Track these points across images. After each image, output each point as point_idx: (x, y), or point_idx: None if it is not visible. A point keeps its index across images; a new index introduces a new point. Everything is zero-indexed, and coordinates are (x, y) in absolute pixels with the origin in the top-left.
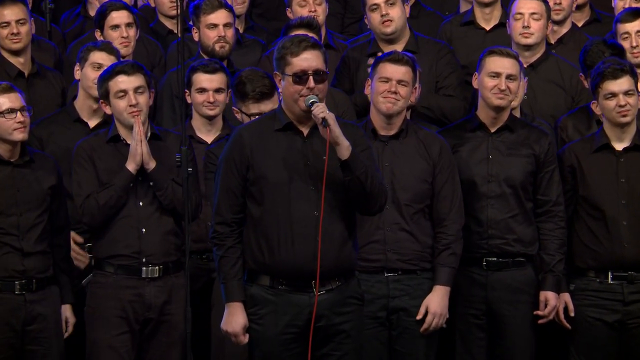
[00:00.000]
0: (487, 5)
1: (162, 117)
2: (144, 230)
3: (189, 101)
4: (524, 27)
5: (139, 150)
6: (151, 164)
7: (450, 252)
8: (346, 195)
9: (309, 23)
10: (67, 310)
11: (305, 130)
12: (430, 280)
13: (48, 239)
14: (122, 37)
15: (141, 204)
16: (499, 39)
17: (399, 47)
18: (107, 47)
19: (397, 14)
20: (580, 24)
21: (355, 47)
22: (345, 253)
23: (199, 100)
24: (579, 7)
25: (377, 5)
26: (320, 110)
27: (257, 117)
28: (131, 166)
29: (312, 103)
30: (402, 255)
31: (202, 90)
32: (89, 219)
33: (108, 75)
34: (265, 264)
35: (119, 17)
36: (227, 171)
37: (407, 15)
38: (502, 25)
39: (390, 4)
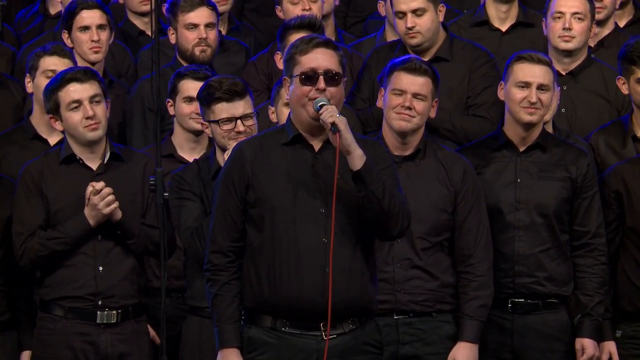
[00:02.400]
0: (504, 1)
1: (131, 133)
2: (101, 268)
3: (171, 112)
4: (564, 28)
5: (104, 212)
6: (118, 215)
7: (480, 304)
8: (362, 218)
9: (310, 23)
10: (25, 358)
11: (316, 144)
12: (449, 324)
13: (5, 276)
14: (93, 40)
15: (99, 237)
16: (518, 41)
17: (428, 54)
18: (59, 51)
19: (425, 26)
20: (622, 24)
21: (383, 46)
22: (360, 288)
23: (186, 112)
24: (622, 5)
25: (404, 13)
26: (330, 113)
27: (225, 121)
28: (91, 220)
29: (322, 106)
30: (414, 296)
31: (191, 99)
32: (27, 264)
33: (57, 84)
34: (266, 301)
35: (90, 17)
36: (225, 192)
37: (441, 19)
38: (521, 25)
39: (418, 15)
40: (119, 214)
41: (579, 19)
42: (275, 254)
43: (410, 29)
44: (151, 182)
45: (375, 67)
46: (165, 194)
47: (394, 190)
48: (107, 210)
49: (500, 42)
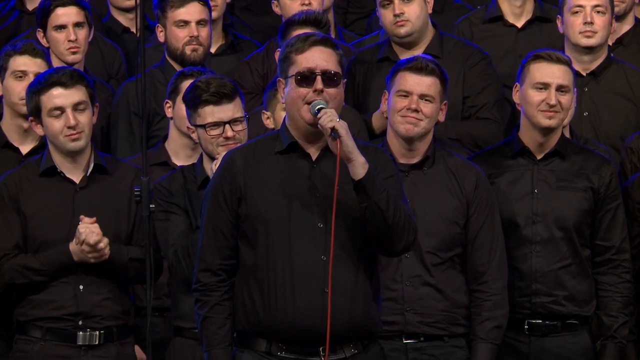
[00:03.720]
0: None
1: (116, 139)
2: (81, 287)
3: (169, 115)
4: (585, 23)
5: (90, 256)
6: (106, 253)
7: (494, 325)
8: (364, 234)
9: (316, 20)
10: None
11: (314, 152)
12: (462, 350)
13: None
14: (69, 40)
15: None
16: (535, 38)
17: (417, 51)
18: (30, 50)
19: (414, 13)
20: None
21: (365, 51)
22: (362, 310)
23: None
24: None
25: (390, 1)
26: (329, 117)
27: (212, 126)
28: (76, 257)
29: (320, 110)
30: (425, 317)
31: None
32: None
33: (40, 86)
34: (260, 324)
35: (65, 14)
36: (215, 205)
37: (430, 11)
38: (538, 20)
39: (406, 2)
40: (107, 251)
41: (600, 12)
42: (269, 273)
43: (398, 15)
44: (136, 192)
45: (359, 72)
46: (151, 206)
47: (399, 201)
48: (96, 260)
49: (516, 39)
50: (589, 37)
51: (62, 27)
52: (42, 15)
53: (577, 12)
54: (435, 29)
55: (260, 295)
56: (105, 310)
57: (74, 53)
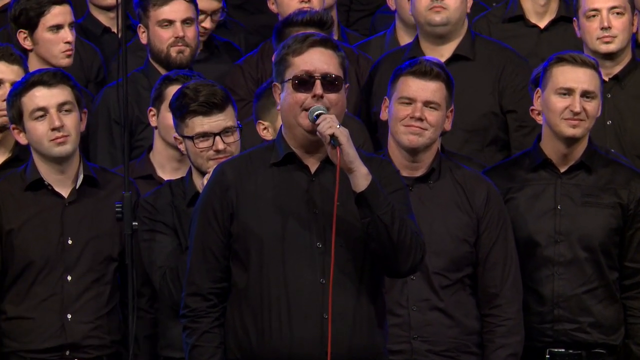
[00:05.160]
0: None
1: (95, 150)
2: (69, 316)
3: (153, 124)
4: (602, 28)
5: None
6: None
7: (508, 353)
8: (367, 254)
9: (321, 21)
10: None
11: (312, 164)
12: None
13: None
14: (66, 42)
15: (69, 278)
16: (559, 40)
17: (447, 49)
18: (7, 55)
19: (453, 2)
20: None
21: (387, 56)
22: (366, 337)
23: (172, 123)
24: None
25: None
26: (328, 124)
27: (201, 137)
28: None
29: (319, 115)
30: (434, 344)
31: None
32: None
33: (20, 88)
34: (253, 353)
35: (62, 13)
36: (204, 223)
37: (468, 10)
38: (562, 20)
39: None
40: None
41: (618, 13)
42: (263, 297)
43: (435, 0)
44: (117, 209)
45: (379, 77)
46: (134, 223)
47: (405, 216)
48: None
49: (538, 41)
50: (607, 42)
51: (58, 27)
52: (33, 15)
53: (592, 17)
54: (467, 29)
55: (253, 322)
56: (95, 340)
57: (68, 56)
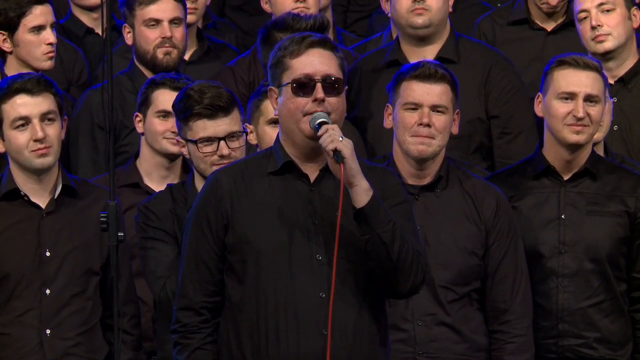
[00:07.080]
0: None
1: (77, 157)
2: (48, 331)
3: (139, 130)
4: (592, 27)
5: None
6: None
7: None
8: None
9: (322, 25)
10: None
11: (312, 172)
12: None
13: None
14: (48, 43)
15: (48, 292)
16: (566, 43)
17: (430, 51)
18: None
19: (435, 3)
20: None
21: (367, 57)
22: (367, 355)
23: (159, 129)
24: None
25: None
26: (331, 137)
27: (205, 141)
28: None
29: (321, 124)
30: None
31: (166, 114)
32: None
33: (1, 95)
34: None
35: (44, 14)
36: (197, 233)
37: (450, 9)
38: (570, 24)
39: None
40: None
41: (607, 10)
42: (259, 312)
43: (417, 2)
44: (102, 218)
45: (360, 81)
46: (120, 234)
47: (407, 234)
48: None
49: (545, 44)
50: (601, 41)
51: (39, 28)
52: (14, 15)
53: (584, 18)
54: (450, 31)
55: (249, 338)
56: (75, 358)
57: (50, 58)
